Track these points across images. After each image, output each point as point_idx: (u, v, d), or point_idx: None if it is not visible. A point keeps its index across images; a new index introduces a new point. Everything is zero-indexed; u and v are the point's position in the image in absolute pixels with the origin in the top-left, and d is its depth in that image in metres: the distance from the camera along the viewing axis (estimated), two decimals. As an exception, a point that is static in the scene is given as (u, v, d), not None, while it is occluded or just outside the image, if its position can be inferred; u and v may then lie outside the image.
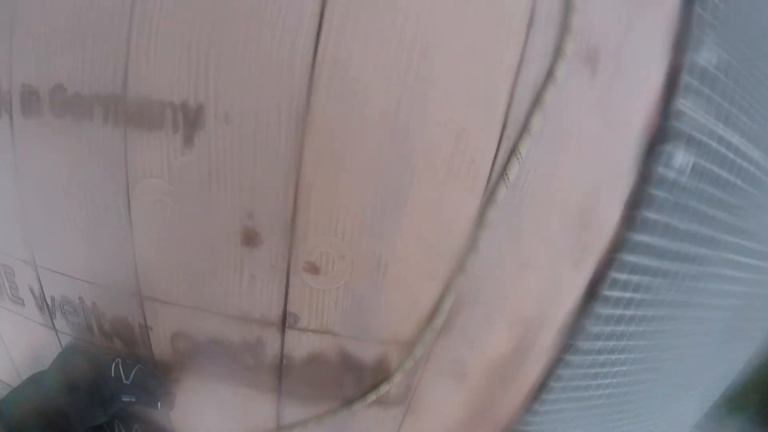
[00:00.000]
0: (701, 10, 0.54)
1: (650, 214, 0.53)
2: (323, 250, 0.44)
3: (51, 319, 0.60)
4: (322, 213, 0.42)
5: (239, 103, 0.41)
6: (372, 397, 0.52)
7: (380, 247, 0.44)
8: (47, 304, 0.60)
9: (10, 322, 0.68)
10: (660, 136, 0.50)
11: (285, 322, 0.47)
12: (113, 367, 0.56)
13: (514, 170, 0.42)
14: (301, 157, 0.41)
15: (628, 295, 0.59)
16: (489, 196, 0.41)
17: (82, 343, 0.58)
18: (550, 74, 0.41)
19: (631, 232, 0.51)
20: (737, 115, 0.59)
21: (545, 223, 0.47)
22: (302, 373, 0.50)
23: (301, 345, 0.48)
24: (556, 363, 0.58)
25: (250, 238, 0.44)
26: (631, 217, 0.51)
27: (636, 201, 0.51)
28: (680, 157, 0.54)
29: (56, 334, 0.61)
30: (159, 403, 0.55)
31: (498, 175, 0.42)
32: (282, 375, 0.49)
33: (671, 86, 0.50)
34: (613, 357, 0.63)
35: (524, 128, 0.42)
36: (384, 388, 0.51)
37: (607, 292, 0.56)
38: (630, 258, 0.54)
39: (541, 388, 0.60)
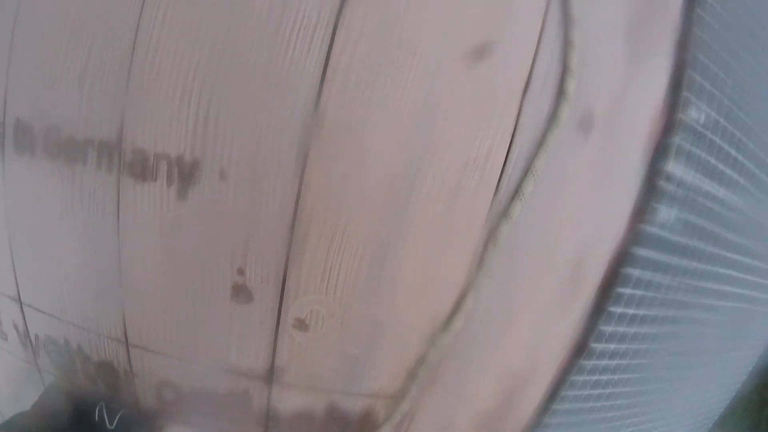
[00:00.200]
0: (692, 71, 0.56)
1: (635, 270, 0.54)
2: (313, 308, 0.44)
3: (34, 356, 0.59)
4: (314, 272, 0.42)
5: (236, 161, 0.41)
6: (359, 450, 0.51)
7: (371, 306, 0.44)
8: (31, 341, 0.59)
9: None
10: (649, 194, 0.51)
11: (272, 376, 0.46)
12: (97, 411, 0.55)
13: (504, 233, 0.43)
14: (296, 216, 0.41)
15: (613, 346, 0.59)
16: (480, 258, 0.42)
17: (66, 384, 0.57)
18: (542, 142, 0.42)
19: (617, 287, 0.52)
20: (723, 169, 0.61)
21: (534, 281, 0.47)
22: (289, 427, 0.49)
23: (288, 399, 0.48)
24: (544, 413, 0.59)
25: (240, 294, 0.44)
26: (618, 273, 0.52)
27: (624, 256, 0.52)
28: (667, 214, 0.55)
29: (39, 372, 0.59)
30: (141, 451, 0.53)
31: (490, 237, 0.42)
32: (268, 428, 0.48)
33: (661, 147, 0.51)
34: (599, 404, 0.64)
35: (516, 192, 0.42)
36: (371, 441, 0.51)
37: (594, 344, 0.57)
38: (616, 309, 0.55)
39: None
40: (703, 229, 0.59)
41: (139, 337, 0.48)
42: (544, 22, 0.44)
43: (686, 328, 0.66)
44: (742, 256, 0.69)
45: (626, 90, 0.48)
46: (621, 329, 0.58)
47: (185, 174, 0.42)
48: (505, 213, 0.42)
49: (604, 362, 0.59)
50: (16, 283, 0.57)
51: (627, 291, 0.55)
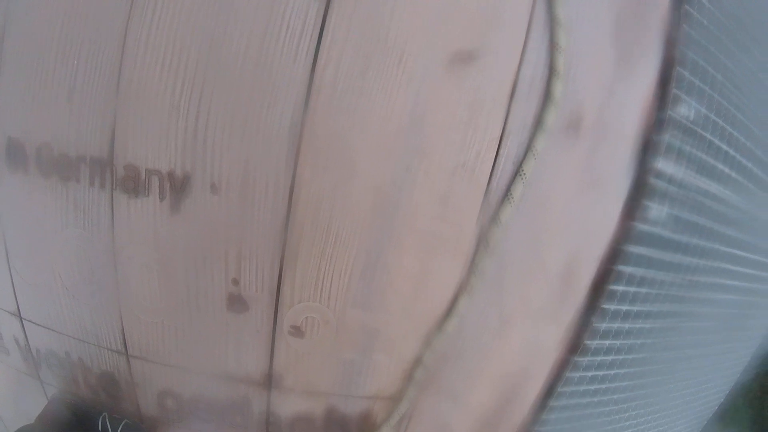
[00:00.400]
0: (681, 69, 0.56)
1: (628, 268, 0.55)
2: (308, 315, 0.45)
3: (36, 370, 0.60)
4: (308, 280, 0.43)
5: (226, 174, 0.41)
6: (359, 451, 0.52)
7: (365, 312, 0.45)
8: (32, 355, 0.59)
9: None
10: (640, 192, 0.52)
11: (271, 382, 0.47)
12: (100, 421, 0.56)
13: (495, 236, 0.43)
14: (287, 226, 0.41)
15: (607, 342, 0.60)
16: (472, 262, 0.43)
17: (69, 396, 0.58)
18: (530, 146, 0.42)
19: (610, 284, 0.53)
20: (715, 164, 0.61)
21: (527, 283, 0.48)
22: (290, 431, 0.50)
23: (287, 403, 0.49)
24: (541, 409, 0.60)
25: (235, 304, 0.45)
26: (610, 271, 0.53)
27: (616, 254, 0.53)
28: (659, 211, 0.56)
29: (42, 384, 0.60)
30: (145, 458, 0.55)
31: (481, 241, 0.43)
32: (269, 433, 0.50)
33: (650, 144, 0.52)
34: (596, 399, 0.65)
35: (506, 196, 0.43)
36: (371, 443, 0.52)
37: (588, 341, 0.58)
38: (610, 306, 0.56)
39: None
40: (696, 224, 0.60)
41: (139, 348, 0.49)
42: (529, 25, 0.44)
43: (682, 322, 0.67)
44: (737, 250, 0.70)
45: (614, 90, 0.49)
46: (615, 325, 0.59)
47: (177, 188, 0.42)
48: (495, 217, 0.43)
49: (599, 358, 0.60)
50: (16, 299, 0.58)
51: (620, 288, 0.56)
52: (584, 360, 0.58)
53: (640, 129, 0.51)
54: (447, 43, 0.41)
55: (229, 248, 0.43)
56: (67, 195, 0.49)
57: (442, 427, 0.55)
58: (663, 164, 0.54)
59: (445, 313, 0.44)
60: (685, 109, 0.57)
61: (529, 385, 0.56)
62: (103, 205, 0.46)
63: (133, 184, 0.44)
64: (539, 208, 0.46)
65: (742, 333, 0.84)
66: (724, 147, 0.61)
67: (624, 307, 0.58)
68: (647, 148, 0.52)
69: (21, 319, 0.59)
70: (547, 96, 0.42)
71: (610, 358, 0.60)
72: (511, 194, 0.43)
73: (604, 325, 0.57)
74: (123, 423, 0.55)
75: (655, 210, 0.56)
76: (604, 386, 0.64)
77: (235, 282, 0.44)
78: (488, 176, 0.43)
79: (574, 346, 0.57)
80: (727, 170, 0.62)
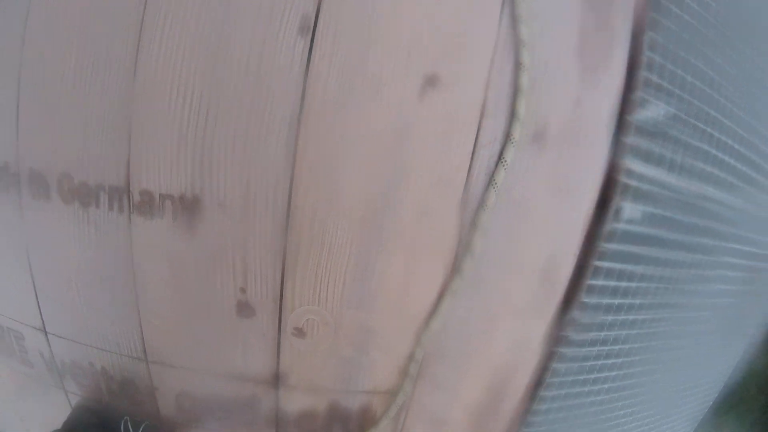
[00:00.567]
0: (647, 73, 0.64)
1: (605, 263, 0.63)
2: (309, 318, 0.54)
3: (61, 380, 0.70)
4: (306, 287, 0.52)
5: (231, 194, 0.51)
6: (362, 442, 0.62)
7: (359, 313, 0.54)
8: (57, 367, 0.70)
9: (19, 383, 0.77)
10: (610, 193, 0.60)
11: (278, 380, 0.57)
12: (122, 425, 0.66)
13: (475, 241, 0.52)
14: (287, 239, 0.51)
15: (592, 334, 0.69)
16: (453, 266, 0.51)
17: (92, 402, 0.68)
18: (499, 158, 0.51)
19: (589, 280, 0.61)
20: (687, 161, 0.69)
21: (508, 283, 0.57)
22: (296, 426, 0.59)
23: (293, 400, 0.59)
24: (532, 400, 0.68)
25: (243, 310, 0.54)
26: (588, 267, 0.61)
27: (592, 252, 0.61)
28: (632, 210, 0.64)
29: (66, 394, 0.71)
30: (165, 456, 0.64)
31: (461, 246, 0.52)
32: (278, 427, 0.59)
33: (619, 147, 0.60)
34: (586, 389, 0.73)
35: (480, 204, 0.52)
36: (372, 435, 0.61)
37: (572, 334, 0.66)
38: (590, 300, 0.65)
39: (521, 421, 0.70)
40: (672, 219, 0.68)
41: (158, 354, 0.59)
42: (495, 46, 0.53)
43: (669, 314, 0.75)
44: (719, 241, 0.77)
45: (580, 100, 0.57)
46: (598, 318, 0.67)
47: (188, 210, 0.52)
48: (473, 223, 0.52)
49: (584, 350, 0.68)
50: (41, 315, 0.68)
51: (599, 282, 0.65)
52: (570, 351, 0.67)
53: (608, 133, 0.59)
54: (419, 69, 0.50)
55: (236, 260, 0.53)
56: (88, 219, 0.59)
57: (437, 418, 0.64)
58: (633, 164, 0.62)
59: (431, 312, 0.53)
60: (652, 111, 0.66)
61: (518, 377, 0.65)
62: (121, 228, 0.56)
63: (149, 207, 0.54)
64: (514, 213, 0.55)
65: (735, 325, 0.92)
66: (695, 143, 0.69)
67: (605, 301, 0.67)
68: (616, 151, 0.61)
69: (46, 333, 0.69)
70: (513, 112, 0.51)
71: (596, 349, 0.68)
72: (485, 202, 0.52)
73: (586, 318, 0.66)
74: (143, 425, 0.65)
75: (629, 208, 0.64)
76: (592, 376, 0.73)
77: (243, 290, 0.54)
78: (464, 187, 0.52)
79: (559, 339, 0.65)
80: (700, 165, 0.70)
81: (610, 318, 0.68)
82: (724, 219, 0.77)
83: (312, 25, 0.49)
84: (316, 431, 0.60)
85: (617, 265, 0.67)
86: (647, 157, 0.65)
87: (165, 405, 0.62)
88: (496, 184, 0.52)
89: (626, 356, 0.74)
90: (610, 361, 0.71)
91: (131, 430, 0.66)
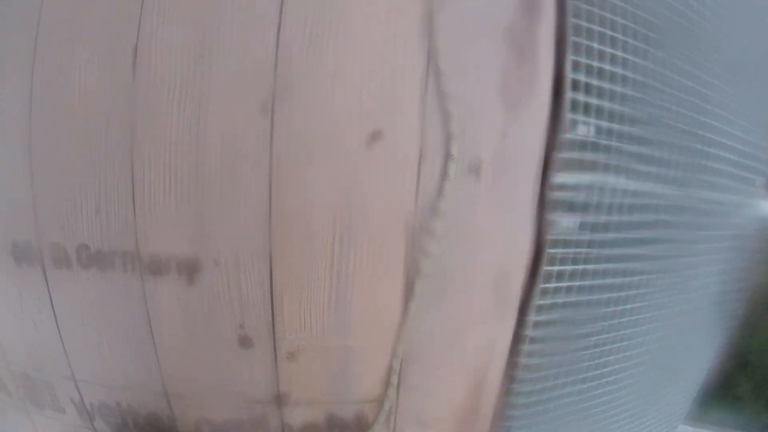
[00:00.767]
0: (573, 93, 0.80)
1: (554, 268, 0.80)
2: (299, 344, 0.71)
3: (91, 422, 0.88)
4: (293, 319, 0.70)
5: (224, 252, 0.69)
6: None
7: (339, 335, 0.72)
8: (87, 410, 0.87)
9: (51, 428, 0.96)
10: (546, 207, 0.76)
11: (280, 400, 0.74)
12: (151, 453, 0.83)
13: (425, 267, 0.69)
14: (272, 284, 0.68)
15: (550, 329, 0.85)
16: (408, 291, 0.68)
17: (122, 437, 0.86)
18: (439, 193, 0.67)
19: (539, 284, 0.77)
20: (622, 166, 0.85)
21: (466, 297, 0.75)
22: (300, 436, 0.77)
23: (295, 415, 0.77)
24: (509, 393, 0.84)
25: (244, 343, 0.71)
26: (536, 273, 0.77)
27: (540, 259, 0.77)
28: (568, 219, 0.79)
29: (97, 432, 0.89)
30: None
31: (414, 272, 0.68)
32: (285, 440, 0.76)
33: (550, 165, 0.76)
34: (558, 381, 0.89)
35: (428, 233, 0.68)
36: (367, 438, 0.78)
37: (530, 332, 0.83)
38: (544, 302, 0.81)
39: (500, 415, 0.86)
40: (611, 220, 0.84)
41: (176, 387, 0.77)
42: (424, 99, 0.69)
43: (625, 303, 0.90)
44: (677, 234, 0.92)
45: (507, 133, 0.73)
46: (554, 316, 0.83)
47: (190, 267, 0.70)
48: (423, 252, 0.68)
49: (541, 345, 0.84)
50: (70, 365, 0.86)
51: (550, 285, 0.81)
52: (535, 348, 0.82)
53: (540, 156, 0.75)
54: (363, 127, 0.67)
55: (233, 303, 0.70)
56: (105, 280, 0.76)
57: (423, 420, 0.81)
58: (566, 179, 0.78)
59: (399, 329, 0.70)
60: (582, 129, 0.82)
61: (491, 376, 0.82)
62: (135, 286, 0.74)
63: (157, 267, 0.71)
64: (461, 236, 0.71)
65: (708, 312, 1.06)
66: (628, 148, 0.85)
67: (560, 300, 0.82)
68: (549, 169, 0.76)
69: (75, 380, 0.87)
70: (446, 155, 0.67)
71: (555, 343, 0.84)
72: (432, 231, 0.68)
73: (544, 317, 0.82)
74: (170, 451, 0.83)
75: (566, 217, 0.80)
76: (563, 369, 0.88)
77: (241, 326, 0.71)
78: (412, 220, 0.68)
79: (523, 338, 0.81)
80: (636, 167, 0.85)
81: (565, 315, 0.84)
82: (672, 212, 0.92)
83: (271, 107, 0.66)
84: (318, 439, 0.77)
85: (568, 268, 0.83)
86: (580, 169, 0.81)
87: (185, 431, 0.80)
88: (439, 214, 0.68)
89: (593, 348, 0.90)
90: (569, 355, 0.87)
91: (159, 457, 0.84)
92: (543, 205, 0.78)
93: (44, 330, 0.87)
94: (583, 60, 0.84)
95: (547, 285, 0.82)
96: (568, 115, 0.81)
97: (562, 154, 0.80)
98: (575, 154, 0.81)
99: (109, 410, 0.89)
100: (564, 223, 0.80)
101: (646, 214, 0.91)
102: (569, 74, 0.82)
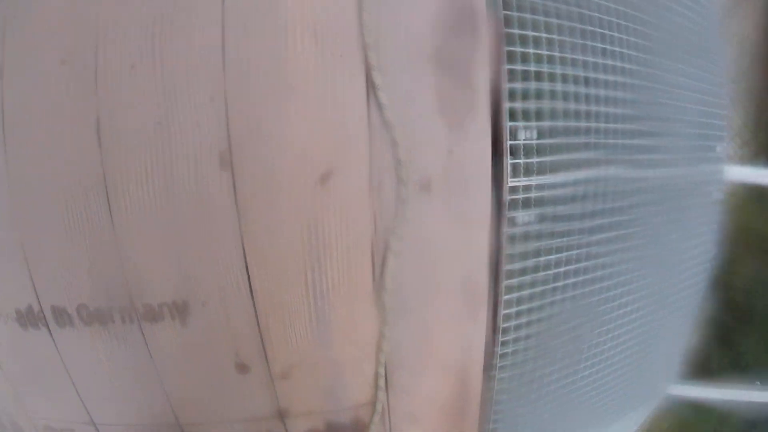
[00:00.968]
0: (511, 103, 0.93)
1: (515, 265, 0.94)
2: (290, 362, 0.86)
3: None
4: (281, 342, 0.84)
5: (210, 295, 0.83)
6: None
7: (325, 350, 0.86)
8: None
9: None
10: (501, 210, 0.90)
11: (282, 415, 0.89)
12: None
13: (388, 281, 0.83)
14: (257, 315, 0.82)
15: (524, 320, 0.99)
16: (379, 304, 0.83)
17: (146, 468, 1.03)
18: (395, 214, 0.81)
19: (504, 281, 0.92)
20: (567, 160, 0.98)
21: (435, 303, 0.88)
22: (304, 445, 0.93)
23: (298, 426, 0.92)
24: (491, 380, 1.00)
25: (242, 369, 0.86)
26: (500, 272, 0.91)
27: (501, 258, 0.91)
28: (523, 216, 0.93)
29: (121, 467, 1.05)
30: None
31: (380, 288, 0.83)
32: (291, 450, 0.92)
33: (499, 171, 0.89)
34: (537, 364, 1.04)
35: (390, 251, 0.82)
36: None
37: (504, 324, 0.98)
38: (511, 296, 0.95)
39: (487, 406, 1.02)
40: (565, 212, 0.97)
41: (187, 417, 0.92)
42: (370, 132, 0.82)
43: (587, 285, 1.04)
44: (626, 211, 1.06)
45: (452, 150, 0.86)
46: (524, 307, 0.98)
47: (181, 311, 0.84)
48: (387, 268, 0.82)
49: (517, 333, 0.99)
50: (87, 411, 1.02)
51: (514, 281, 0.95)
52: (509, 337, 0.98)
53: (487, 166, 0.89)
54: (314, 169, 0.80)
55: (227, 336, 0.85)
56: (108, 332, 0.91)
57: (416, 417, 0.97)
58: (515, 182, 0.92)
59: (378, 339, 0.85)
60: (525, 134, 0.95)
61: (472, 370, 0.96)
62: (135, 334, 0.89)
63: (152, 315, 0.86)
64: (422, 249, 0.85)
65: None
66: (578, 140, 0.98)
67: (526, 292, 0.97)
68: (499, 176, 0.90)
69: (95, 425, 1.03)
70: (398, 181, 0.81)
71: (528, 330, 0.99)
72: (391, 249, 0.82)
73: (514, 309, 0.97)
74: (191, 474, 0.99)
75: (521, 215, 0.93)
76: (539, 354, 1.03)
77: (237, 354, 0.86)
78: (371, 244, 0.83)
79: (497, 330, 0.96)
80: (584, 156, 0.98)
81: (536, 305, 0.99)
82: (630, 195, 1.05)
83: (229, 159, 0.80)
84: (321, 446, 0.94)
85: (529, 262, 0.97)
86: (527, 172, 0.95)
87: (202, 455, 0.97)
88: (396, 234, 0.82)
89: (571, 332, 1.05)
90: (552, 342, 1.02)
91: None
92: (498, 208, 0.91)
93: (59, 383, 1.03)
94: (519, 67, 0.97)
95: (511, 281, 0.97)
96: (508, 124, 0.95)
97: (510, 160, 0.94)
98: (521, 159, 0.95)
99: (130, 446, 1.05)
100: (519, 221, 0.94)
101: (601, 199, 1.04)
102: (506, 85, 0.96)
